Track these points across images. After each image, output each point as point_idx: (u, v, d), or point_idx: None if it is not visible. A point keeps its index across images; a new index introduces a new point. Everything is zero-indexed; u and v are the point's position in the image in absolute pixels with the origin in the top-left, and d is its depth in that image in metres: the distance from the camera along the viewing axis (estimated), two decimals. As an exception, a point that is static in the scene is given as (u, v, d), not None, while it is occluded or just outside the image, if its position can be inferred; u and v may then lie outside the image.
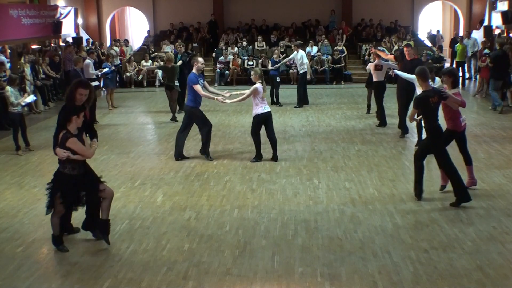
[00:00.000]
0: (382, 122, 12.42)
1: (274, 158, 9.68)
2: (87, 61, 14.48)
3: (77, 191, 5.96)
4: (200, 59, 9.88)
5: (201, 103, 9.78)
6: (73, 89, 6.06)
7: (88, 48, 20.80)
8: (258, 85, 9.40)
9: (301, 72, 15.70)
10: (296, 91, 15.70)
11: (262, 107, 9.45)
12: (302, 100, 15.56)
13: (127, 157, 10.23)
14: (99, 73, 14.65)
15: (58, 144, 5.81)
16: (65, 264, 5.80)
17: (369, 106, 14.07)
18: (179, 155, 9.88)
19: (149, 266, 5.69)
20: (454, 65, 19.11)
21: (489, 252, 5.84)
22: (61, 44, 20.41)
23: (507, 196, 7.62)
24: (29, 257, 6.02)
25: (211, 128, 9.89)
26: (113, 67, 16.34)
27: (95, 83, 14.00)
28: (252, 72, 9.74)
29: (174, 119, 13.69)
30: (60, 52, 18.93)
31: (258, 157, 9.67)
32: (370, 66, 12.52)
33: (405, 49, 10.99)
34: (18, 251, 6.16)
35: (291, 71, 19.94)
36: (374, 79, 12.30)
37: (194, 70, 9.68)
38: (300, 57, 15.59)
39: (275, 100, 15.71)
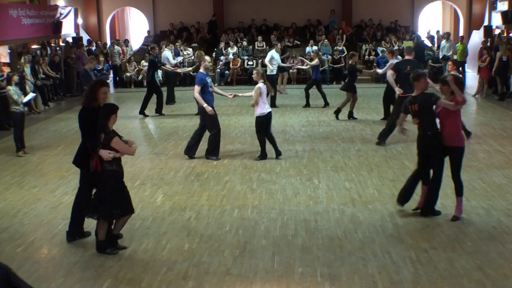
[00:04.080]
0: None
1: (278, 153, 9.72)
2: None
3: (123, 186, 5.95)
4: (207, 58, 9.84)
5: (212, 102, 9.60)
6: (95, 89, 5.99)
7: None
8: (261, 85, 9.38)
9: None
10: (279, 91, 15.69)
11: (265, 107, 9.46)
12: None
13: (127, 157, 9.96)
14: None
15: (102, 146, 5.74)
16: (65, 264, 5.79)
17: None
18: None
19: (149, 266, 5.69)
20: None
21: (489, 252, 5.84)
22: (61, 44, 20.40)
23: (507, 196, 7.61)
24: (29, 257, 6.02)
25: (220, 131, 9.81)
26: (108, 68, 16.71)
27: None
28: (254, 72, 9.71)
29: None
30: (60, 52, 18.93)
31: (263, 156, 9.68)
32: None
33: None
34: (18, 251, 6.16)
35: (291, 71, 19.91)
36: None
37: (201, 70, 9.61)
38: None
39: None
